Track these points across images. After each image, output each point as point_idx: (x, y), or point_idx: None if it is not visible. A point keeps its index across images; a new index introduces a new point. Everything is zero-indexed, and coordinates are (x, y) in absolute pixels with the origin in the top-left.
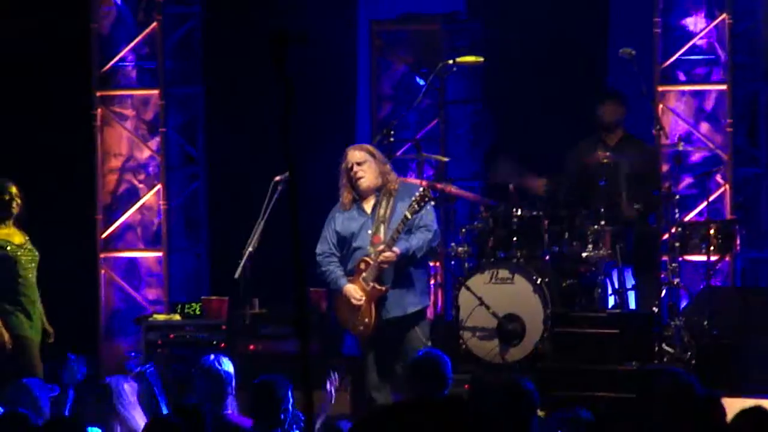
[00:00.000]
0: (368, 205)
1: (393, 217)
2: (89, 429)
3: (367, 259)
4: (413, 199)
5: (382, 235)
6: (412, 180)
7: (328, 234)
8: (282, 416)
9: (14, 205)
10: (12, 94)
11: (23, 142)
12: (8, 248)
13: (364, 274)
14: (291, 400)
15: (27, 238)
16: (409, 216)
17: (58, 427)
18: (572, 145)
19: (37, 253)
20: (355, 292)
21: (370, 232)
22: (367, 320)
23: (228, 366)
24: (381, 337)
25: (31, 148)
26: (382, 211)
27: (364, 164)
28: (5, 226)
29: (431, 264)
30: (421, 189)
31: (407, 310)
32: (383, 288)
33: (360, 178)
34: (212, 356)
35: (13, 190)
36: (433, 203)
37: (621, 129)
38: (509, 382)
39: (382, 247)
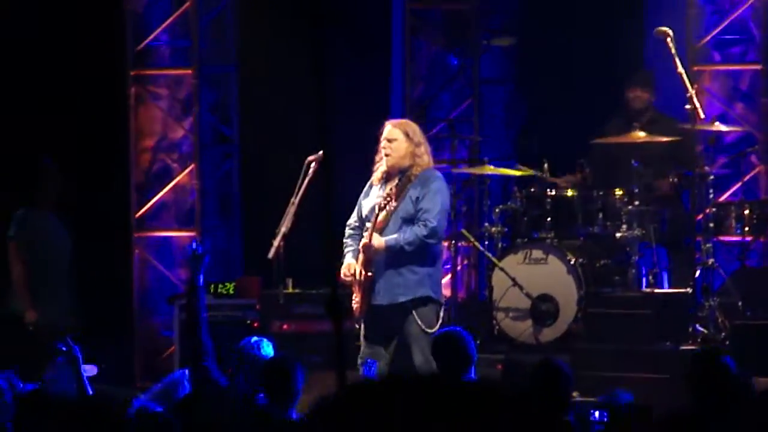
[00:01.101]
0: (390, 185)
1: (401, 203)
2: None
3: (365, 241)
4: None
5: (382, 219)
6: (433, 171)
7: (358, 206)
8: (296, 395)
9: (51, 186)
10: (47, 74)
11: (58, 121)
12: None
13: (361, 256)
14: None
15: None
16: (393, 200)
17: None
18: (601, 127)
19: (65, 232)
20: (345, 268)
21: (374, 214)
22: (358, 300)
23: (268, 350)
24: (372, 321)
25: (66, 128)
26: (394, 193)
27: (393, 142)
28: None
29: (464, 244)
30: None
31: (396, 299)
32: (368, 273)
33: (387, 155)
34: (254, 339)
35: (50, 172)
36: (438, 188)
37: (650, 110)
38: (545, 362)
39: (369, 232)
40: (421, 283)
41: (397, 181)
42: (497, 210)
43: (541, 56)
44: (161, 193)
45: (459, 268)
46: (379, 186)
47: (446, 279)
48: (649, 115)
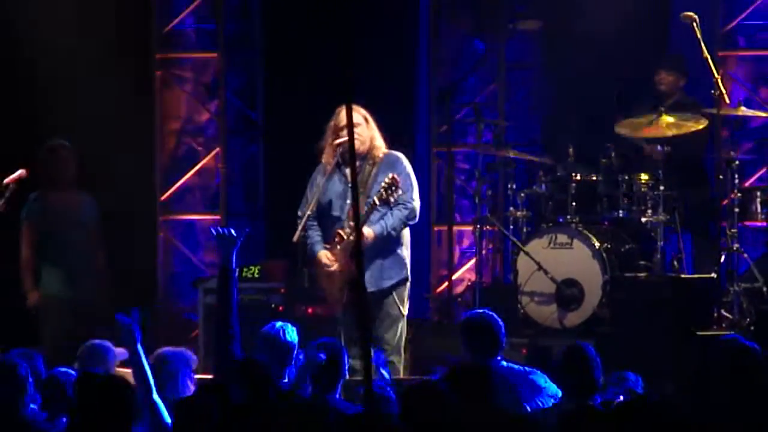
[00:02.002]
0: (349, 173)
1: (372, 188)
2: None
3: (341, 232)
4: (381, 186)
5: (359, 206)
6: (397, 153)
7: (310, 197)
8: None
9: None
10: (72, 57)
11: (84, 104)
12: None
13: (338, 247)
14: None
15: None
16: (377, 202)
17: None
18: (628, 109)
19: (79, 214)
20: (326, 259)
21: (349, 201)
22: (341, 291)
23: (293, 335)
24: (352, 308)
25: (92, 111)
26: (363, 179)
27: (358, 127)
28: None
29: (488, 228)
30: (388, 178)
31: (381, 285)
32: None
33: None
34: (278, 324)
35: (62, 153)
36: (401, 192)
37: (677, 94)
38: (573, 346)
39: (351, 222)
40: (402, 266)
41: (360, 165)
42: (522, 194)
43: (567, 40)
44: (186, 177)
45: (484, 252)
46: (335, 174)
47: (471, 263)
48: (676, 98)
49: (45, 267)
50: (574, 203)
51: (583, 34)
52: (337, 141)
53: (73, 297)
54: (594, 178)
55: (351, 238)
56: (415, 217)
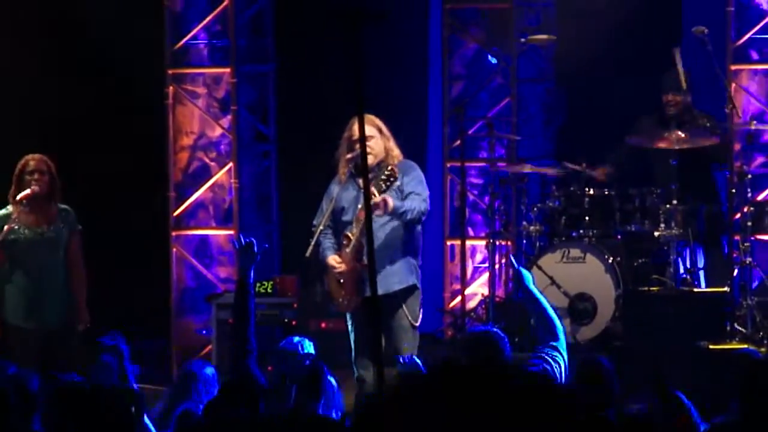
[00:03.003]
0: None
1: (388, 194)
2: None
3: (349, 234)
4: (380, 178)
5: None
6: (410, 161)
7: (325, 206)
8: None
9: (33, 182)
10: (85, 73)
11: (96, 120)
12: (16, 233)
13: (346, 249)
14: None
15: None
16: (376, 195)
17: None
18: (634, 125)
19: (58, 237)
20: (335, 262)
21: (360, 206)
22: (349, 296)
23: (310, 349)
24: (365, 315)
25: (104, 126)
26: (377, 186)
27: (371, 140)
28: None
29: (503, 243)
30: (387, 169)
31: (390, 288)
32: (359, 265)
33: (368, 153)
34: (296, 338)
35: (42, 167)
36: (422, 189)
37: (688, 110)
38: (589, 359)
39: (376, 197)
40: (411, 272)
41: (371, 175)
42: (535, 209)
43: (579, 55)
44: (199, 192)
45: (497, 266)
46: (349, 182)
47: (484, 278)
48: (687, 115)
49: (8, 293)
50: (587, 217)
51: (595, 48)
52: (348, 156)
53: (39, 326)
54: (607, 192)
55: (362, 238)
56: (425, 213)
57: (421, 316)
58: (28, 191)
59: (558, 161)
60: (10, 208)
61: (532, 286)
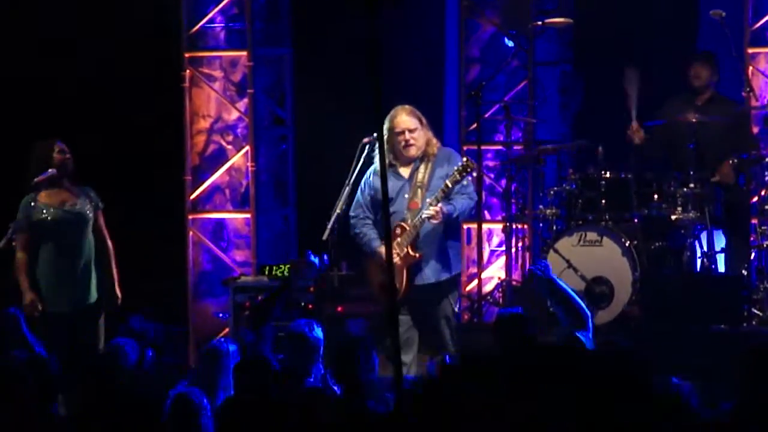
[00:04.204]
0: (405, 170)
1: (431, 183)
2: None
3: (403, 224)
4: (455, 169)
5: (419, 200)
6: (450, 149)
7: (362, 197)
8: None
9: (68, 162)
10: (101, 56)
11: (112, 103)
12: (44, 214)
13: (398, 239)
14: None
15: (82, 195)
16: (450, 185)
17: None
18: (659, 106)
19: (86, 213)
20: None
21: (407, 196)
22: (398, 285)
23: (318, 333)
24: (411, 301)
25: (121, 110)
26: (420, 176)
27: (415, 131)
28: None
29: (519, 226)
30: (464, 160)
31: (440, 276)
32: (417, 254)
33: (411, 145)
34: (303, 321)
35: (63, 146)
36: (474, 174)
37: (710, 90)
38: (607, 343)
39: (429, 200)
40: (457, 260)
41: (412, 165)
42: (552, 192)
43: (596, 37)
44: (216, 176)
45: (513, 250)
46: (389, 173)
47: (500, 261)
48: (709, 95)
49: (41, 275)
50: (603, 201)
51: (612, 31)
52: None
53: (70, 305)
54: (623, 175)
55: (423, 215)
56: (474, 207)
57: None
58: (47, 173)
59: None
60: (32, 194)
61: (557, 278)
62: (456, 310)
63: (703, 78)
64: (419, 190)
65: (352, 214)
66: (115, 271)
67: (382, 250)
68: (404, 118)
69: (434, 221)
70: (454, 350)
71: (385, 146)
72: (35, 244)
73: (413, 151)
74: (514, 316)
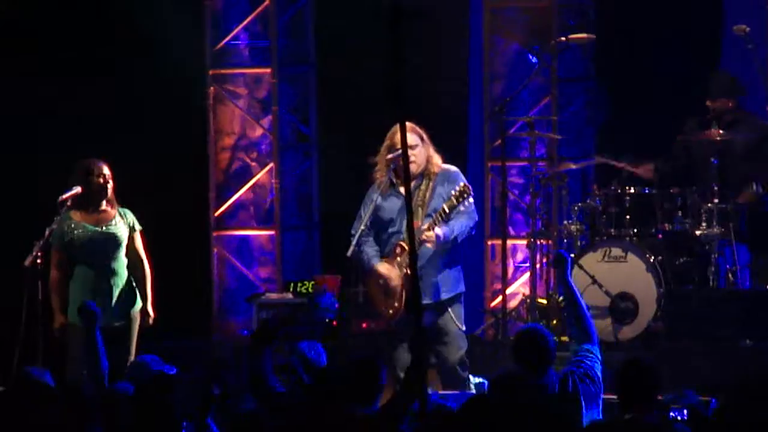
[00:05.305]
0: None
1: (431, 202)
2: None
3: (403, 243)
4: (452, 194)
5: (419, 219)
6: (452, 167)
7: (364, 214)
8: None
9: (107, 186)
10: (126, 72)
11: (137, 120)
12: (79, 233)
13: (398, 259)
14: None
15: (117, 217)
16: (447, 210)
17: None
18: (683, 123)
19: (119, 234)
20: (387, 271)
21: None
22: (396, 304)
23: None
24: (408, 321)
25: (145, 127)
26: (420, 195)
27: (415, 148)
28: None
29: (544, 242)
30: (461, 184)
31: (440, 297)
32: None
33: (411, 162)
34: (306, 345)
35: (106, 170)
36: (471, 200)
37: (732, 112)
38: (632, 360)
39: (425, 227)
40: (458, 280)
41: (413, 183)
42: (576, 208)
43: (620, 53)
44: (240, 192)
45: (538, 266)
46: (390, 192)
47: (525, 277)
48: (730, 118)
49: (72, 293)
50: (628, 217)
51: (635, 47)
52: (389, 156)
53: (103, 323)
54: (647, 191)
55: (420, 237)
56: (475, 226)
57: (463, 319)
58: (71, 191)
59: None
60: (67, 213)
61: (571, 279)
62: (462, 328)
63: (718, 110)
64: (420, 210)
65: (353, 231)
66: (150, 291)
67: (381, 267)
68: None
69: (429, 245)
70: (464, 368)
71: (383, 165)
72: (70, 263)
73: (413, 168)
74: (531, 331)
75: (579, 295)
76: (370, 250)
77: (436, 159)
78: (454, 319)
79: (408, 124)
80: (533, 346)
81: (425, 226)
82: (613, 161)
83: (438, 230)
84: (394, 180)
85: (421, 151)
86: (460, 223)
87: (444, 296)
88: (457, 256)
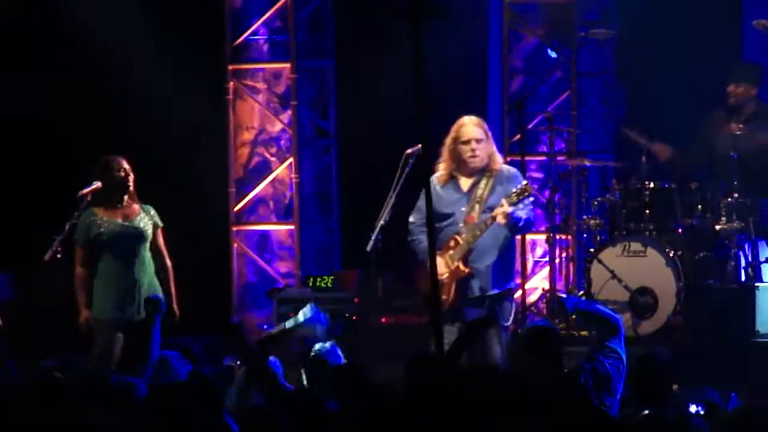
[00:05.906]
0: (465, 183)
1: (490, 199)
2: None
3: (458, 237)
4: (513, 192)
5: (476, 215)
6: (512, 167)
7: (423, 205)
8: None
9: (128, 180)
10: (145, 68)
11: (157, 115)
12: (103, 228)
13: (451, 252)
14: None
15: (142, 212)
16: (505, 204)
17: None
18: (703, 117)
19: (144, 229)
20: (439, 264)
21: (464, 209)
22: (445, 297)
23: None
24: (460, 314)
25: (165, 122)
26: (480, 191)
27: (480, 143)
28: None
29: (563, 237)
30: (524, 183)
31: (488, 291)
32: (467, 269)
33: (476, 156)
34: (326, 344)
35: (126, 165)
36: (531, 199)
37: (752, 104)
38: (644, 355)
39: (504, 204)
40: (509, 276)
41: (473, 178)
42: (595, 202)
43: (639, 48)
44: (260, 187)
45: (557, 261)
46: (449, 184)
47: (544, 272)
48: (751, 109)
49: (96, 288)
50: (647, 211)
51: (655, 42)
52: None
53: (128, 318)
54: (667, 185)
55: (493, 214)
56: (534, 224)
57: (512, 314)
58: (91, 186)
59: (617, 155)
60: (91, 209)
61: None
62: (505, 322)
63: (739, 96)
64: (477, 205)
65: (411, 220)
66: (173, 288)
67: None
68: (471, 128)
69: (501, 220)
70: (499, 365)
71: (447, 156)
72: (94, 259)
73: (477, 162)
74: (539, 329)
75: (592, 306)
76: (425, 239)
77: (497, 157)
78: (502, 315)
79: (474, 118)
80: (539, 342)
81: (504, 203)
82: (637, 135)
83: (511, 208)
84: (455, 172)
85: (485, 146)
86: (527, 215)
87: (492, 291)
88: (510, 253)
